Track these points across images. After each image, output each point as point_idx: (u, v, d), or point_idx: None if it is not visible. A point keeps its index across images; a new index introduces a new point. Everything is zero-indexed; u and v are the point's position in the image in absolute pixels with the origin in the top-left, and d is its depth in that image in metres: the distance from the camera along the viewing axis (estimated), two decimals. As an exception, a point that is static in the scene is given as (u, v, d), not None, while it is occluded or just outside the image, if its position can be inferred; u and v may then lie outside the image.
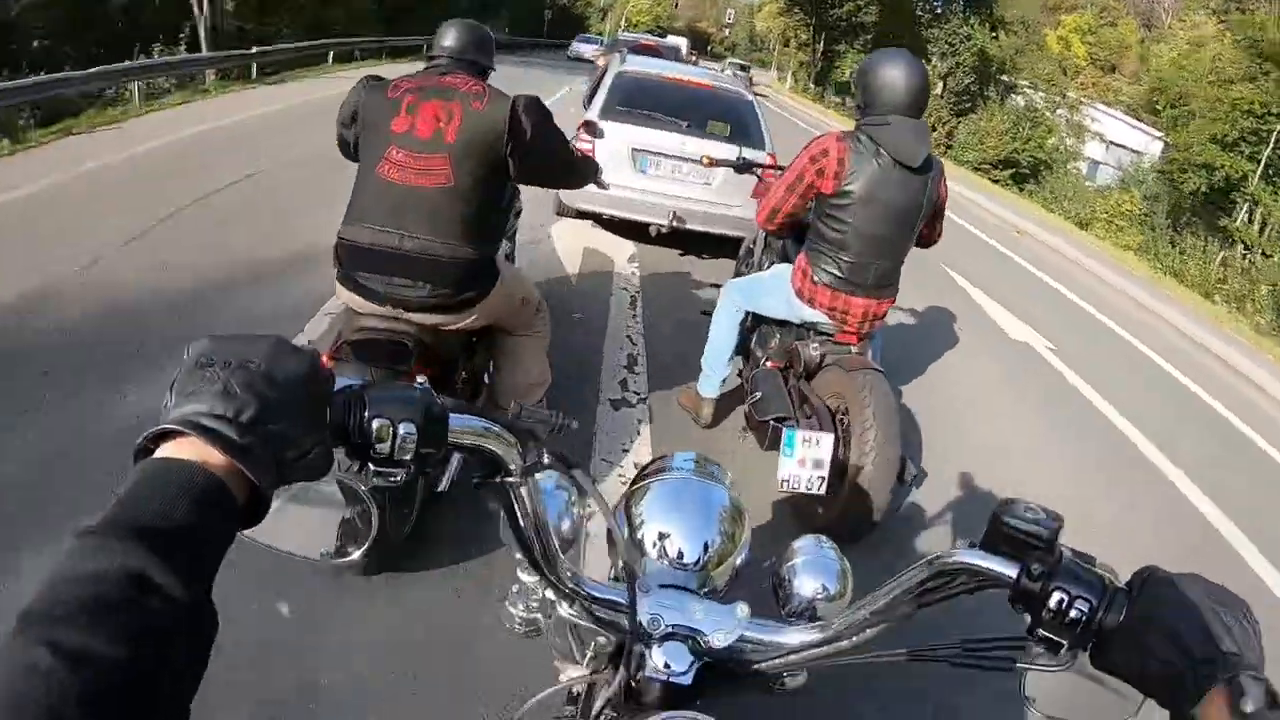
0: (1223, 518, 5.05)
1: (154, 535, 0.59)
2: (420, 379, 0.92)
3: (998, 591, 0.86)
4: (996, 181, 27.60)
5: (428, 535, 3.08)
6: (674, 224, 7.06)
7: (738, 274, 5.24)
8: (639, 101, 7.47)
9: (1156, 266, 17.83)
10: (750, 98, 8.01)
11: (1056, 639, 0.82)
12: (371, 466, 0.84)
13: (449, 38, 3.12)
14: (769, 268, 4.25)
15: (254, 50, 18.39)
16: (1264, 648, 0.73)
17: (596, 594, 1.10)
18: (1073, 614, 0.80)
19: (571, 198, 7.27)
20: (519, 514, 1.02)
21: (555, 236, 7.40)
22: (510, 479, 0.98)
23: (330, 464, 0.80)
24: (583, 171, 3.58)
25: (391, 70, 3.98)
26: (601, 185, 4.21)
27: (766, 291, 3.98)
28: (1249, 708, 0.67)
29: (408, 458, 0.83)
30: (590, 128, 7.18)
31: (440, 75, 2.95)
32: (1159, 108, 37.44)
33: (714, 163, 5.14)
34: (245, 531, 0.75)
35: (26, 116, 11.47)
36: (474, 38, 3.16)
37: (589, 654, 1.18)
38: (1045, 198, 27.50)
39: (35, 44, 21.77)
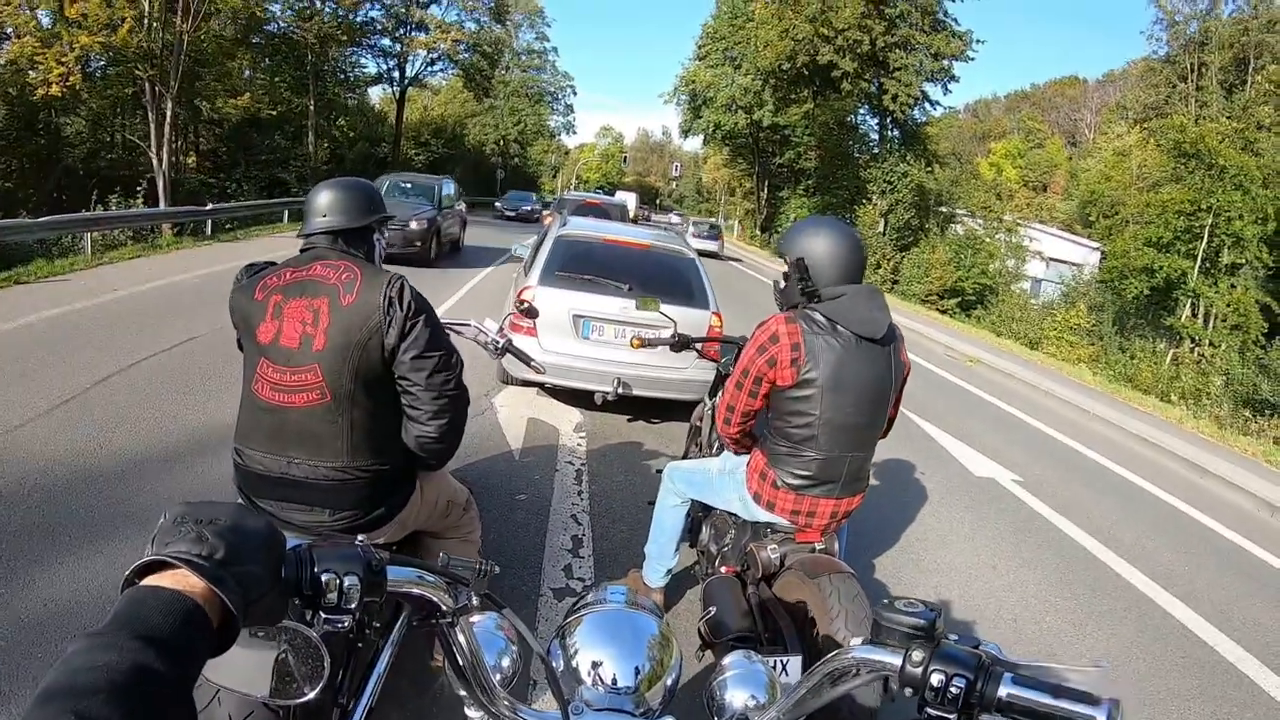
0: (1208, 626, 5.07)
1: (155, 640, 0.72)
2: (360, 537, 1.04)
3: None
4: (945, 312, 28.14)
5: None
6: (619, 391, 6.87)
7: (687, 451, 5.03)
8: (579, 266, 7.38)
9: (1109, 375, 17.96)
10: (691, 255, 7.92)
11: (943, 715, 0.91)
12: (322, 615, 0.96)
13: (319, 207, 2.67)
14: (718, 452, 3.91)
15: (209, 207, 18.51)
16: None
17: (532, 719, 1.21)
18: (952, 690, 0.90)
19: (514, 366, 7.09)
20: (456, 653, 1.17)
21: (498, 407, 7.22)
22: (444, 620, 1.13)
23: (285, 610, 0.93)
24: (458, 398, 2.70)
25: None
26: (538, 370, 4.12)
27: (715, 487, 3.52)
28: None
29: (353, 605, 0.96)
30: (526, 302, 7.06)
31: (310, 264, 2.52)
32: (1092, 219, 38.81)
33: (644, 344, 4.65)
34: (213, 679, 1.03)
35: (-20, 262, 11.45)
36: (346, 200, 2.69)
37: None
38: (994, 322, 27.95)
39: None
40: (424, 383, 2.54)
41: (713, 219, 51.05)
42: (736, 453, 3.44)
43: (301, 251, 2.67)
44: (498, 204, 42.46)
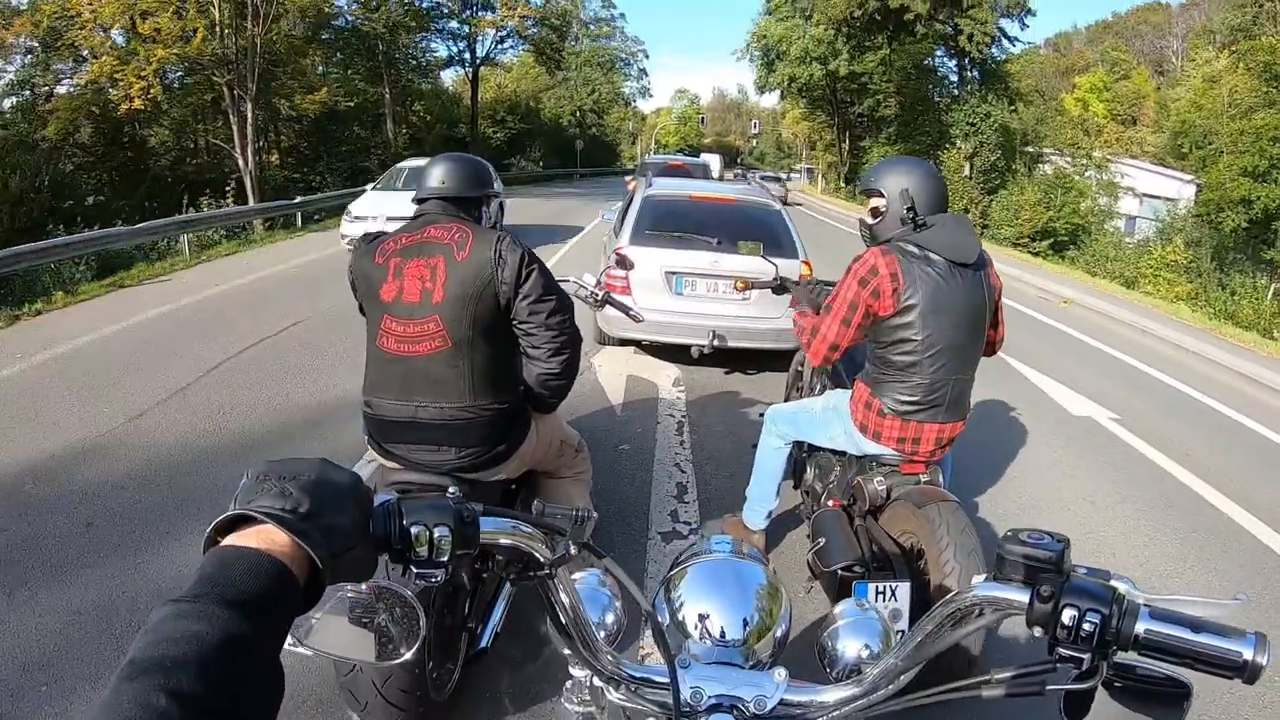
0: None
1: (243, 606, 0.70)
2: (452, 489, 1.04)
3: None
4: (1036, 254, 27.37)
5: (473, 693, 3.08)
6: (714, 343, 7.05)
7: (788, 397, 5.19)
8: (667, 223, 7.58)
9: (1209, 313, 17.45)
10: (778, 207, 8.09)
11: (1077, 654, 0.84)
12: (414, 569, 0.94)
13: (433, 177, 2.97)
14: (820, 392, 4.07)
15: (297, 200, 19.21)
16: None
17: (638, 675, 1.16)
18: (1086, 627, 0.83)
19: (610, 325, 7.34)
20: (556, 607, 1.12)
21: (597, 366, 7.48)
22: (541, 572, 1.08)
23: (374, 567, 0.91)
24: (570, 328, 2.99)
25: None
26: (637, 319, 4.34)
27: (818, 424, 3.67)
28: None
29: (444, 559, 0.93)
30: (620, 255, 7.30)
31: (424, 228, 2.81)
32: (1185, 151, 37.27)
33: (749, 286, 4.97)
34: (311, 644, 0.95)
35: (82, 270, 12.17)
36: (461, 171, 2.99)
37: None
38: (1088, 262, 27.16)
39: (89, 200, 22.97)
40: (543, 324, 2.83)
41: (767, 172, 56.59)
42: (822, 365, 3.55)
43: (414, 218, 2.93)
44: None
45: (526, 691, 3.13)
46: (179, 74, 25.56)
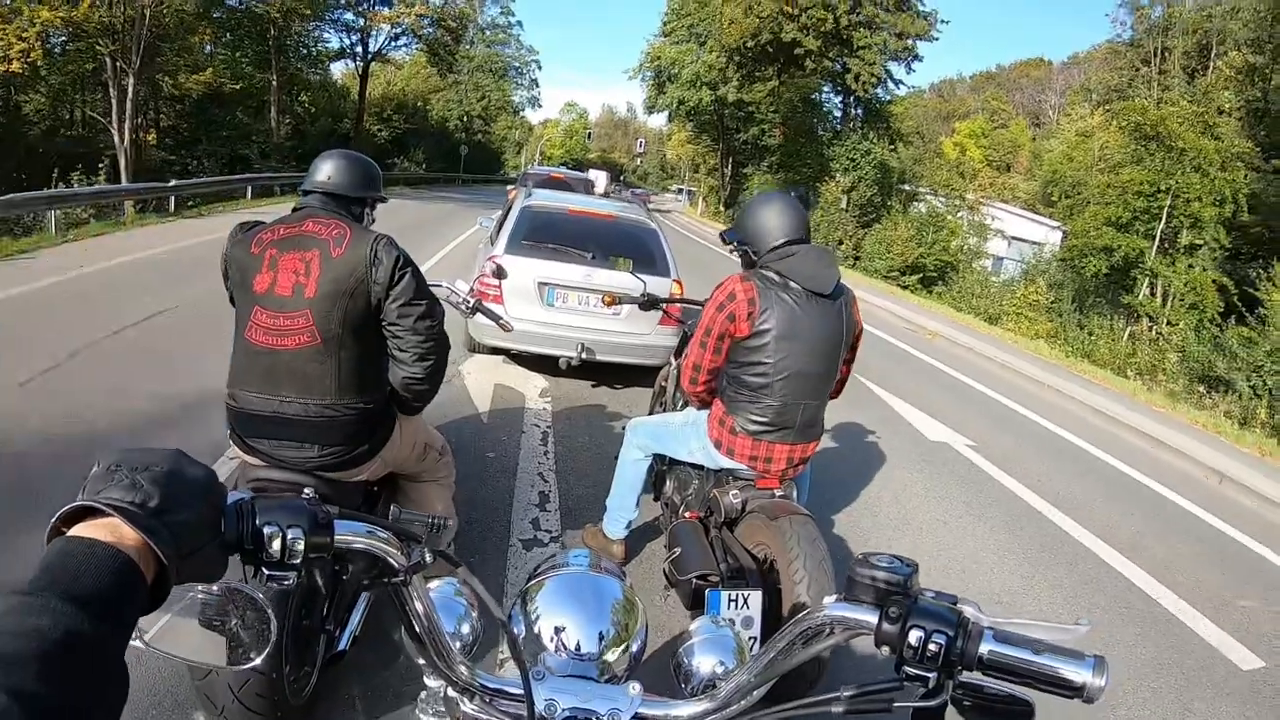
0: (1151, 581, 5.29)
1: (86, 602, 0.66)
2: (307, 490, 1.01)
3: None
4: (906, 287, 28.25)
5: (330, 698, 2.96)
6: (583, 356, 6.99)
7: (652, 411, 5.20)
8: (544, 235, 7.49)
9: (1067, 350, 18.25)
10: (654, 226, 8.07)
11: (923, 674, 0.87)
12: (265, 571, 0.91)
13: (322, 171, 2.91)
14: (682, 407, 4.10)
15: (172, 184, 18.19)
16: None
17: (492, 686, 1.15)
18: (931, 647, 0.86)
19: (481, 333, 7.20)
20: (411, 615, 1.10)
21: (465, 374, 7.31)
22: (395, 579, 1.05)
23: (224, 567, 0.88)
24: (440, 334, 2.96)
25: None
26: (506, 328, 4.34)
27: (678, 438, 3.73)
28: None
29: (297, 561, 0.91)
30: (497, 264, 7.17)
31: (303, 220, 2.74)
32: (1054, 199, 39.13)
33: (616, 301, 5.05)
34: (159, 646, 0.90)
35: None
36: (350, 170, 2.94)
37: None
38: (954, 298, 28.23)
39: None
40: (411, 327, 2.79)
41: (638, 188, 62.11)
42: (700, 408, 3.63)
43: (294, 210, 2.88)
44: None
45: (383, 698, 3.03)
46: (62, 39, 24.26)
